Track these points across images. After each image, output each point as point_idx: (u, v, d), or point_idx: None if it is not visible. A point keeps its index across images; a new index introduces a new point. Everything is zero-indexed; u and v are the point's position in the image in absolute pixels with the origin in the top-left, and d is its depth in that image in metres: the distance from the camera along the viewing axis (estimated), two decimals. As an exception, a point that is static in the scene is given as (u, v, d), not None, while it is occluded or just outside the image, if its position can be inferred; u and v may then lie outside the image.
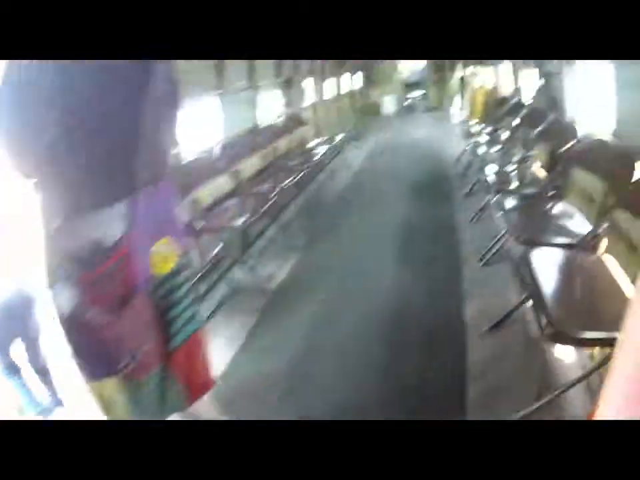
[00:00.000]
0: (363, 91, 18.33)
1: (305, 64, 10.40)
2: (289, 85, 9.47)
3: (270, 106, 9.16)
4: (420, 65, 18.55)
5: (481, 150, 6.45)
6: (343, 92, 14.62)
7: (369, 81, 18.78)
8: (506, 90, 10.72)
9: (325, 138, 9.68)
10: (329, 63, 12.58)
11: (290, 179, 6.53)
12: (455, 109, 17.41)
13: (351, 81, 16.26)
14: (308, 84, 10.99)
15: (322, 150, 8.60)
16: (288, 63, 9.20)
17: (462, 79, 16.85)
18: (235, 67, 7.10)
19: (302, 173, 6.79)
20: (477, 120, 14.22)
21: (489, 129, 8.27)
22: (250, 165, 7.10)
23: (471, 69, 15.34)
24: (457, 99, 17.36)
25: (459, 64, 16.59)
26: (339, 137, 9.77)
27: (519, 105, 8.00)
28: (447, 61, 16.94)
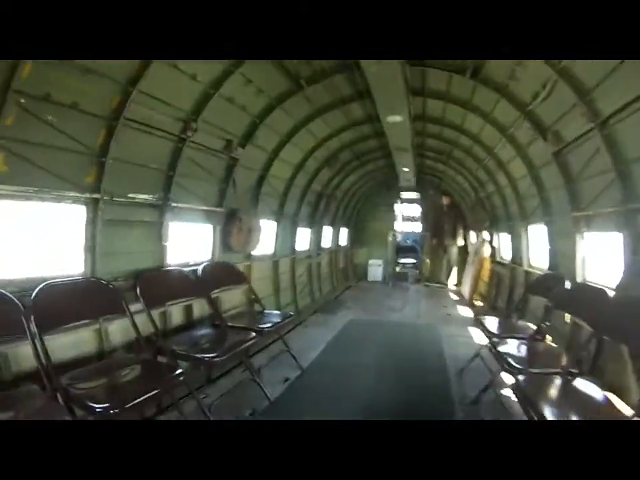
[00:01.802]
0: (347, 250, 15.76)
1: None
2: (233, 217, 6.54)
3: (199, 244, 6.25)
4: (416, 227, 16.41)
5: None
6: (315, 245, 11.75)
7: (356, 240, 16.43)
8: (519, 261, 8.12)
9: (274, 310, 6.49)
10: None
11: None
12: (451, 283, 14.80)
13: (334, 235, 13.74)
14: (265, 225, 7.97)
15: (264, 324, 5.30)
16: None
17: (463, 246, 14.45)
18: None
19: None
20: (481, 301, 11.59)
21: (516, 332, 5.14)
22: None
23: (474, 236, 12.89)
24: (455, 271, 14.83)
25: (460, 230, 14.29)
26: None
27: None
28: (446, 225, 14.65)
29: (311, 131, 7.76)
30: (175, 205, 5.20)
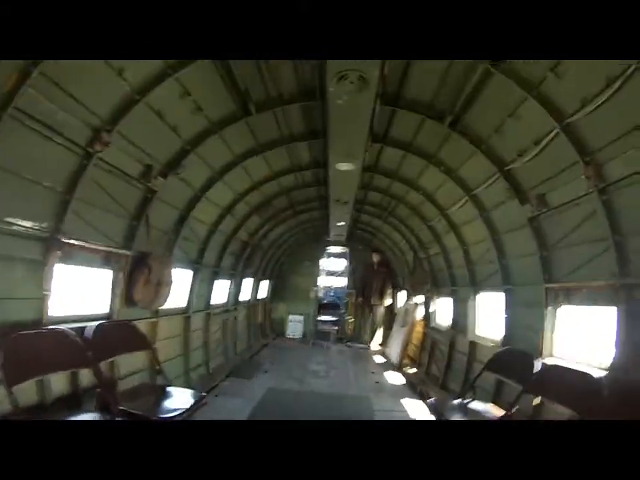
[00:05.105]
0: (267, 304, 14.55)
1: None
2: (141, 264, 5.20)
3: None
4: (342, 283, 15.69)
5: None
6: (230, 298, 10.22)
7: (277, 293, 15.27)
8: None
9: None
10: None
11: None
12: (375, 344, 13.98)
13: (254, 287, 12.48)
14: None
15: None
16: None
17: (390, 307, 13.86)
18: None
19: None
20: (412, 366, 10.74)
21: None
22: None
23: (403, 297, 12.29)
24: (380, 332, 14.10)
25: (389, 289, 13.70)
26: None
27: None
28: (374, 283, 14.01)
29: (247, 169, 6.73)
30: (66, 240, 3.92)
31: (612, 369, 3.70)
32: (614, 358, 3.72)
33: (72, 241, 4.02)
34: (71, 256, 4.11)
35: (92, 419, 3.59)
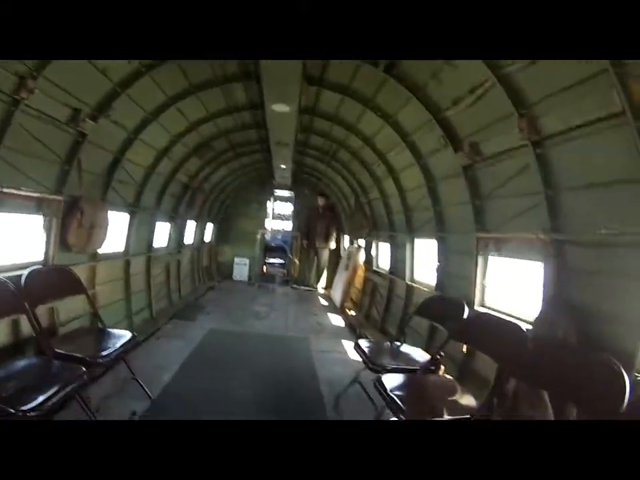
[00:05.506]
0: (212, 247, 14.46)
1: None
2: (73, 208, 5.06)
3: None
4: (287, 227, 15.64)
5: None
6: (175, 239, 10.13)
7: (222, 236, 15.14)
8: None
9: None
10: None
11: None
12: (320, 286, 14.36)
13: (198, 230, 12.32)
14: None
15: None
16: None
17: (335, 250, 14.16)
18: None
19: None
20: (354, 309, 11.00)
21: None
22: None
23: (347, 240, 12.56)
24: (325, 274, 14.45)
25: (333, 233, 13.90)
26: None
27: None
28: (319, 227, 14.11)
29: (182, 110, 6.45)
30: None
31: (536, 323, 3.81)
32: (540, 312, 3.82)
33: (3, 190, 3.86)
34: (2, 204, 3.97)
35: (29, 363, 3.65)
